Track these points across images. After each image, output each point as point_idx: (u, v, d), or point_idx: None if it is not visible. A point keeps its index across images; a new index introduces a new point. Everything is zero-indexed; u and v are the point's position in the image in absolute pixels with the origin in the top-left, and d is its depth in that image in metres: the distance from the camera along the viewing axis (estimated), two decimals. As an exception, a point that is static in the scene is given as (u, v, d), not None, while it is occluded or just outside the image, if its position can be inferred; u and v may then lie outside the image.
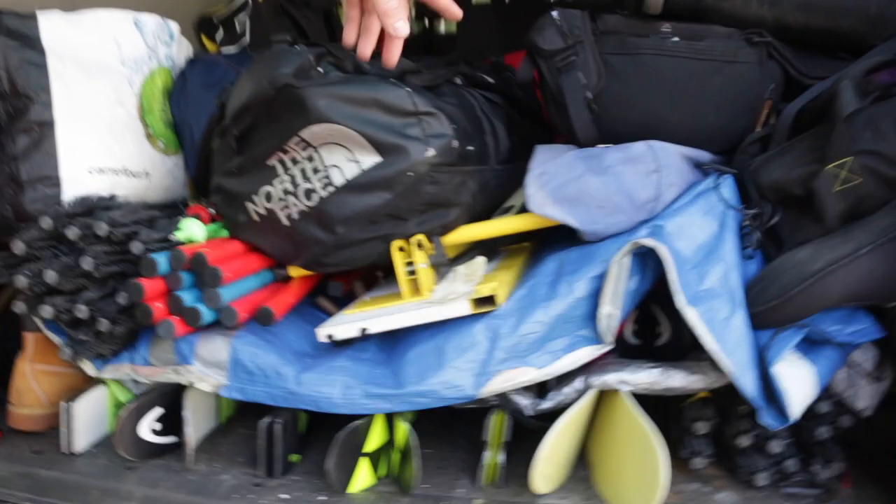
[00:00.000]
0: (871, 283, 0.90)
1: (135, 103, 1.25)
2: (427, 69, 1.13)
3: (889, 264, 0.89)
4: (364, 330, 1.02)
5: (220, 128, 1.11)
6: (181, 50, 1.38)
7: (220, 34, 1.70)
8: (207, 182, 1.16)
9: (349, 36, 1.03)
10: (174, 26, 1.36)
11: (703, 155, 1.10)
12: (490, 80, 1.27)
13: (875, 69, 0.98)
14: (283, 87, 0.99)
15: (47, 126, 1.13)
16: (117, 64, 1.24)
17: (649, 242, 0.93)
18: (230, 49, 1.70)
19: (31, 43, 1.13)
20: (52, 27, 1.16)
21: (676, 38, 1.11)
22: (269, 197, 1.05)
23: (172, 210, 1.19)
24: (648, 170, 1.02)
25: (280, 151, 1.02)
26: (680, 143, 1.08)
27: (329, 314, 1.18)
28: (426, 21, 2.50)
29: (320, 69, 1.03)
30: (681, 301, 0.90)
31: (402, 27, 0.97)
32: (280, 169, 1.03)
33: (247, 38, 1.69)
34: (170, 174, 1.31)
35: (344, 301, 1.20)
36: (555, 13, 1.15)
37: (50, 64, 1.14)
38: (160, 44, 1.32)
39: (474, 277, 1.05)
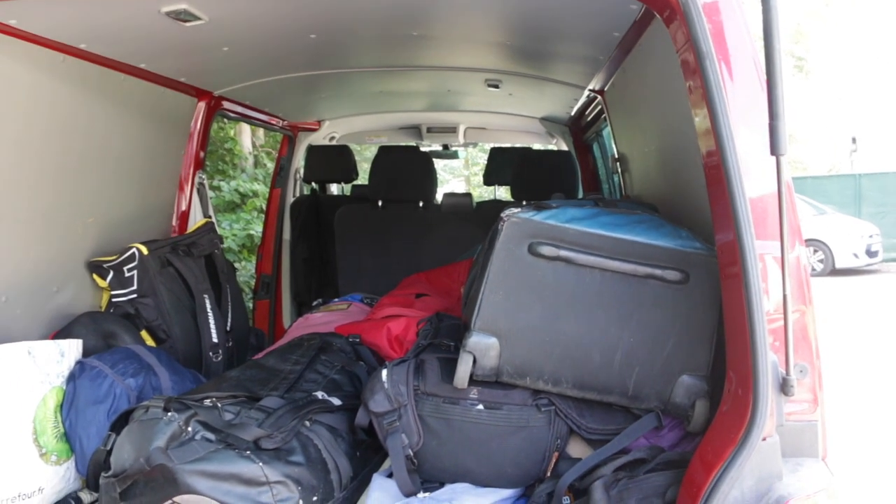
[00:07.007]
0: None
1: (29, 429, 1.45)
2: (278, 421, 1.37)
3: None
4: None
5: (105, 478, 1.33)
6: (71, 356, 1.57)
7: (110, 276, 1.88)
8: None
9: None
10: (64, 344, 1.55)
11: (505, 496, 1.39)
12: (336, 401, 1.52)
13: (624, 464, 1.28)
14: (158, 465, 1.25)
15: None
16: (10, 400, 1.42)
17: None
18: (120, 293, 1.88)
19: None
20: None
21: (481, 407, 1.38)
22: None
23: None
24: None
25: (157, 506, 1.27)
26: (484, 485, 1.39)
27: None
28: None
29: (189, 429, 1.31)
30: None
31: None
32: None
33: (135, 285, 1.88)
34: (62, 479, 1.51)
35: None
36: (384, 374, 1.41)
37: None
38: (52, 364, 1.51)
39: None
